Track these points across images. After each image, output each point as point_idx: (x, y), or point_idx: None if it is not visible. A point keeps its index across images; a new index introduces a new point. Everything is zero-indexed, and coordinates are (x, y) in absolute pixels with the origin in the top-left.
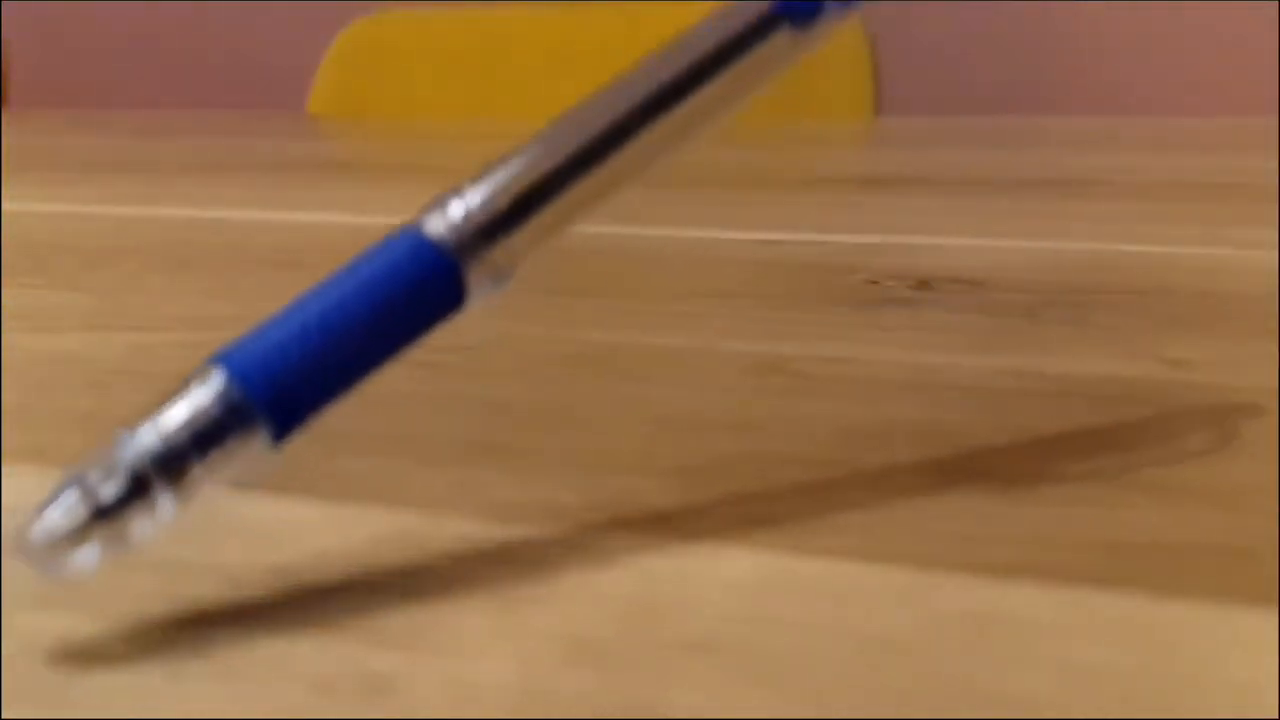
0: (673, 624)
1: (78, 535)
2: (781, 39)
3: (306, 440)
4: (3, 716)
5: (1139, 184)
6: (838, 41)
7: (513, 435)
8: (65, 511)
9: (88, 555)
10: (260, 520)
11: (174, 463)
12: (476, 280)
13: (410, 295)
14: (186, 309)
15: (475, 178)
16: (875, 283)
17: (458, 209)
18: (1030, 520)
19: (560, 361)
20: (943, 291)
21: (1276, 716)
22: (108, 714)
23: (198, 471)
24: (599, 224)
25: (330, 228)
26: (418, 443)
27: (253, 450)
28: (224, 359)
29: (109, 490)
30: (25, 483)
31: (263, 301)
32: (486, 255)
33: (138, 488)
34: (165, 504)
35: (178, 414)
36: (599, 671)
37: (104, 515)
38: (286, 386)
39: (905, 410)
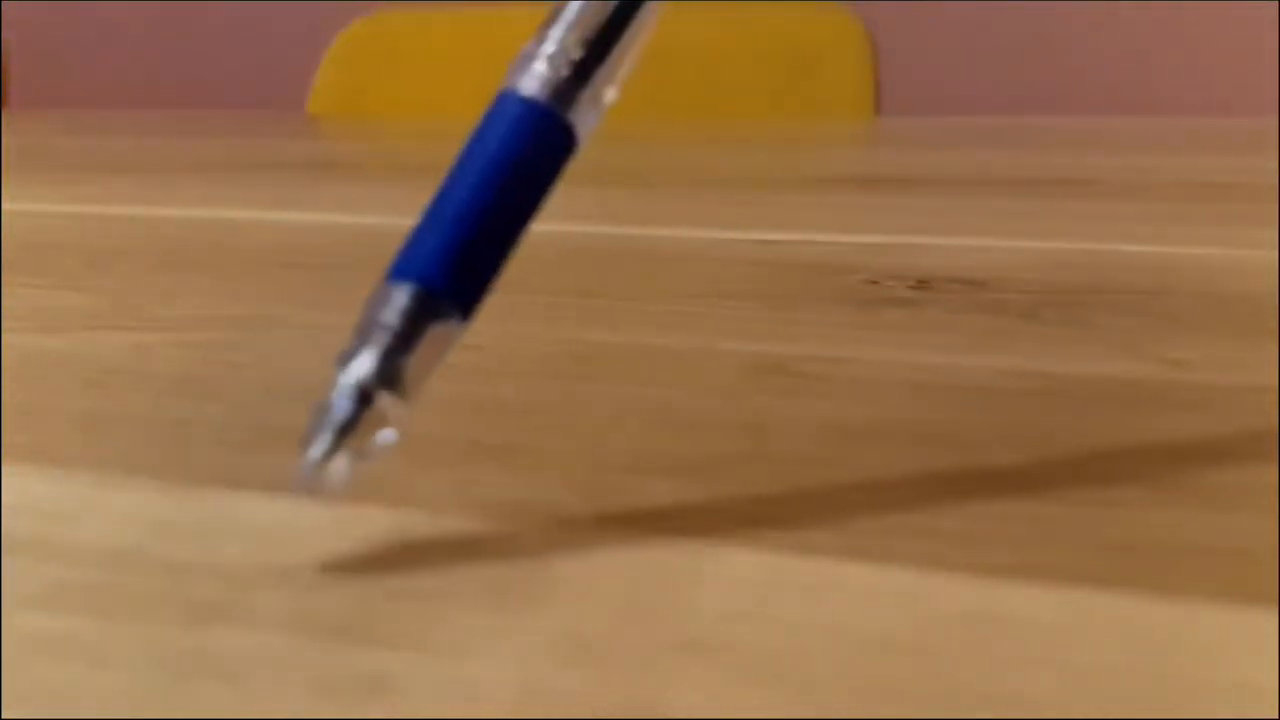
0: (673, 624)
1: (331, 457)
2: None
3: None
4: (3, 716)
5: (1139, 184)
6: (838, 41)
7: (513, 435)
8: (317, 442)
9: (343, 471)
10: (260, 520)
11: (388, 370)
12: (580, 120)
13: (528, 156)
14: (186, 309)
15: (545, 28)
16: (875, 283)
17: (541, 65)
18: (1030, 520)
19: (560, 361)
20: (943, 291)
21: (1276, 717)
22: (108, 714)
23: (411, 370)
24: (599, 224)
25: (330, 228)
26: (418, 443)
27: (449, 335)
28: (397, 271)
29: (343, 411)
30: (25, 483)
31: (263, 301)
32: (580, 96)
33: (365, 401)
34: (394, 408)
35: (378, 330)
36: (598, 671)
37: (346, 433)
38: (456, 272)
39: (905, 410)
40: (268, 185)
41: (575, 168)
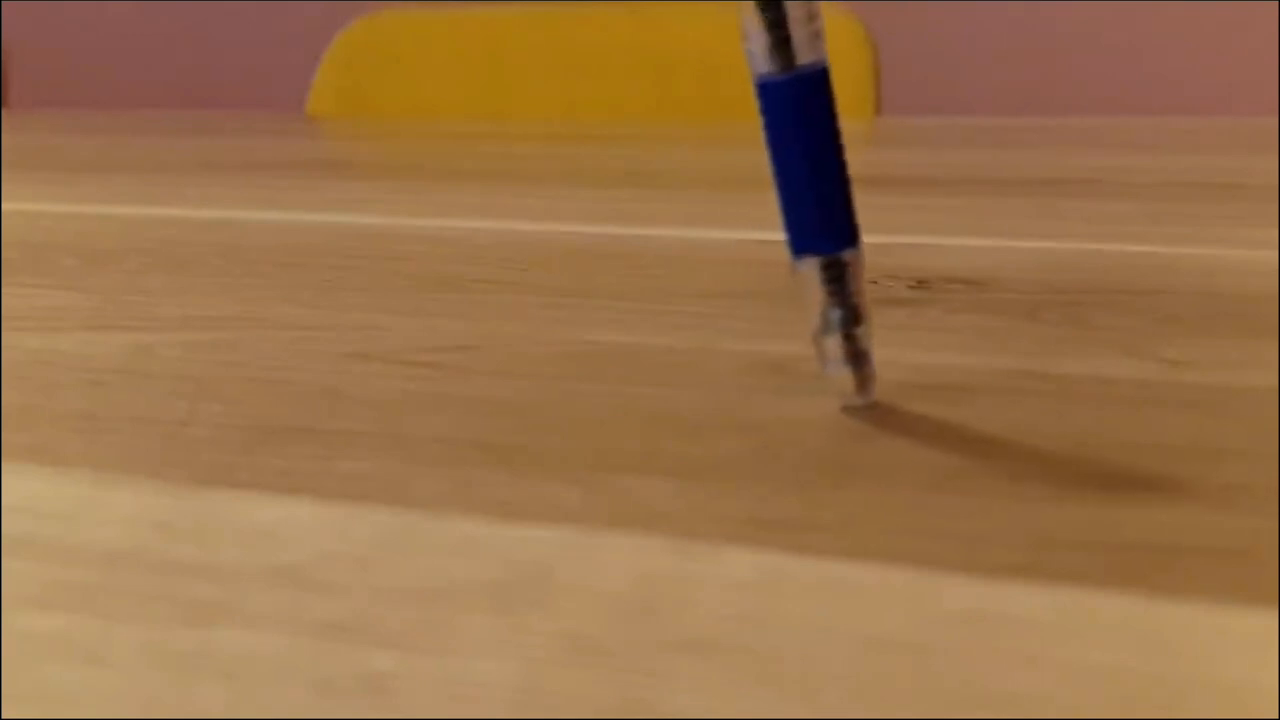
0: (673, 624)
1: (859, 379)
2: None
3: (306, 440)
4: (3, 716)
5: (1139, 184)
6: (838, 41)
7: (513, 435)
8: (846, 381)
9: (868, 380)
10: (260, 520)
11: (847, 314)
12: (811, 53)
13: (803, 114)
14: (186, 309)
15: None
16: (875, 283)
17: (754, 47)
18: (1030, 520)
19: (560, 361)
20: (943, 291)
21: (1276, 717)
22: (108, 714)
23: (854, 300)
24: (599, 224)
25: (330, 228)
26: (418, 443)
27: (859, 260)
28: (797, 250)
29: (846, 356)
30: (25, 483)
31: (263, 301)
32: (793, 41)
33: (852, 341)
34: (865, 334)
35: (821, 294)
36: (599, 671)
37: (857, 365)
38: (831, 226)
39: (905, 410)
40: (268, 185)
41: (574, 167)
